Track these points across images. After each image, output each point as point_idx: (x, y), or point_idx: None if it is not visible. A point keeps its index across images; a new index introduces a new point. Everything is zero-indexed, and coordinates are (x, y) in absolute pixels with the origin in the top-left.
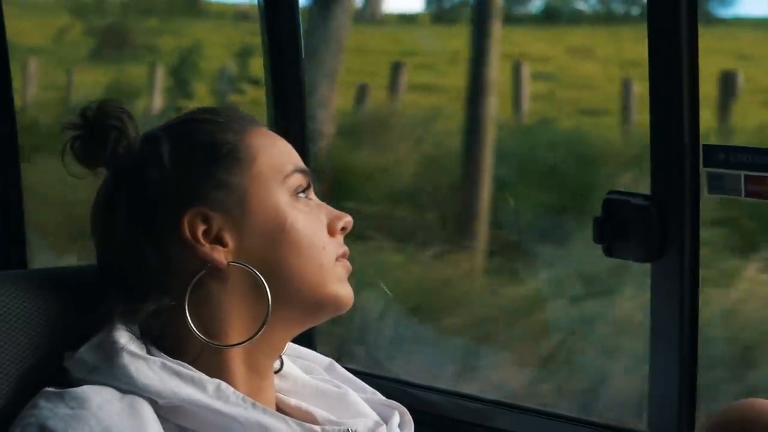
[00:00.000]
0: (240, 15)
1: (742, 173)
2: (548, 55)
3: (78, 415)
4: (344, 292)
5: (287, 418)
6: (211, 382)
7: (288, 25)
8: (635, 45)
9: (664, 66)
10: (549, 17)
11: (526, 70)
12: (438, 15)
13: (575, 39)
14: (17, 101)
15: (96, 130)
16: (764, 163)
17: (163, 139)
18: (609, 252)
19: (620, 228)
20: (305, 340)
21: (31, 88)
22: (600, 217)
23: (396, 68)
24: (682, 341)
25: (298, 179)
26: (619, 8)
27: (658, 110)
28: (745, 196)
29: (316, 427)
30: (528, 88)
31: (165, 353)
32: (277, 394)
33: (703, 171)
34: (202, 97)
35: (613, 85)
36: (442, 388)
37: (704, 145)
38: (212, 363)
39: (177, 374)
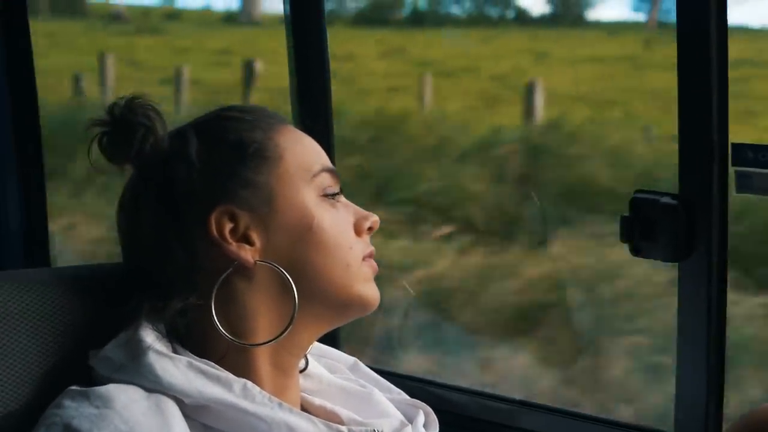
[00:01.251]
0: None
1: None
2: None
3: (103, 414)
4: (371, 292)
5: (314, 418)
6: (238, 382)
7: (314, 25)
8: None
9: (693, 66)
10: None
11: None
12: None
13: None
14: None
15: (123, 127)
16: None
17: (191, 136)
18: (636, 251)
19: (647, 227)
20: (329, 339)
21: None
22: (627, 216)
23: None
24: (710, 342)
25: (326, 179)
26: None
27: (686, 110)
28: None
29: (342, 427)
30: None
31: (191, 352)
32: (302, 393)
33: (732, 170)
34: None
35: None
36: (465, 387)
37: (733, 144)
38: (238, 362)
39: (203, 373)
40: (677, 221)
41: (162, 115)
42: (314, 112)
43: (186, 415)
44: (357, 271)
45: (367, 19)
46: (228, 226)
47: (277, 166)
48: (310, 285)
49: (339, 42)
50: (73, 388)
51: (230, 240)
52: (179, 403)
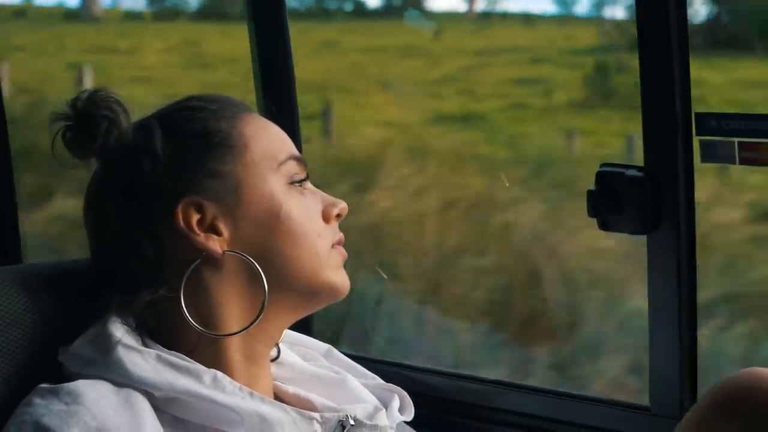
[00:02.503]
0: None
1: (736, 140)
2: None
3: (72, 411)
4: (340, 279)
5: (285, 406)
6: (208, 373)
7: (275, 12)
8: None
9: (653, 36)
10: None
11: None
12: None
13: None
14: None
15: (86, 121)
16: (757, 129)
17: (155, 128)
18: (604, 225)
19: (614, 201)
20: (303, 327)
21: None
22: (594, 190)
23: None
24: (681, 314)
25: (293, 167)
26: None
27: (648, 82)
28: (740, 163)
29: (315, 414)
30: None
31: (161, 344)
32: (275, 381)
33: (696, 140)
34: None
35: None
36: (440, 369)
37: (696, 114)
38: (209, 353)
39: (172, 365)
40: (643, 194)
41: (125, 107)
42: (278, 100)
43: (157, 408)
44: (326, 259)
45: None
46: (195, 217)
47: (243, 155)
48: (279, 273)
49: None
50: (43, 385)
51: (197, 231)
52: (149, 396)
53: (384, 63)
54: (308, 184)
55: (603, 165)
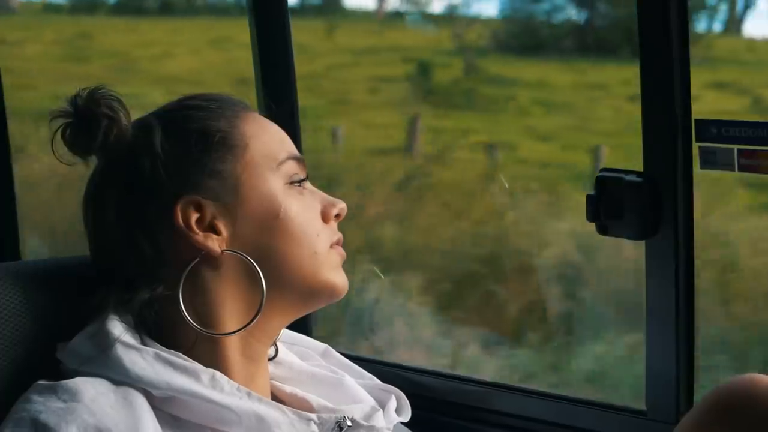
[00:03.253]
0: None
1: (735, 147)
2: None
3: (71, 408)
4: (339, 279)
5: (283, 406)
6: (206, 372)
7: (276, 9)
8: None
9: (654, 41)
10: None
11: None
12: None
13: None
14: None
15: (87, 119)
16: (757, 137)
17: (155, 126)
18: (603, 230)
19: (613, 206)
20: (301, 326)
21: None
22: (593, 195)
23: None
24: (678, 319)
25: (293, 166)
26: None
27: (648, 87)
28: (739, 170)
29: (312, 415)
30: None
31: (159, 343)
32: (273, 381)
33: (696, 146)
34: None
35: None
36: (437, 371)
37: (696, 120)
38: (207, 351)
39: (171, 364)
40: (643, 199)
41: (125, 105)
42: (279, 99)
43: (154, 407)
44: (324, 259)
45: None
46: (194, 216)
47: (243, 154)
48: (277, 273)
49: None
50: (41, 382)
51: (196, 230)
52: (147, 395)
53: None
54: (308, 184)
55: (603, 170)
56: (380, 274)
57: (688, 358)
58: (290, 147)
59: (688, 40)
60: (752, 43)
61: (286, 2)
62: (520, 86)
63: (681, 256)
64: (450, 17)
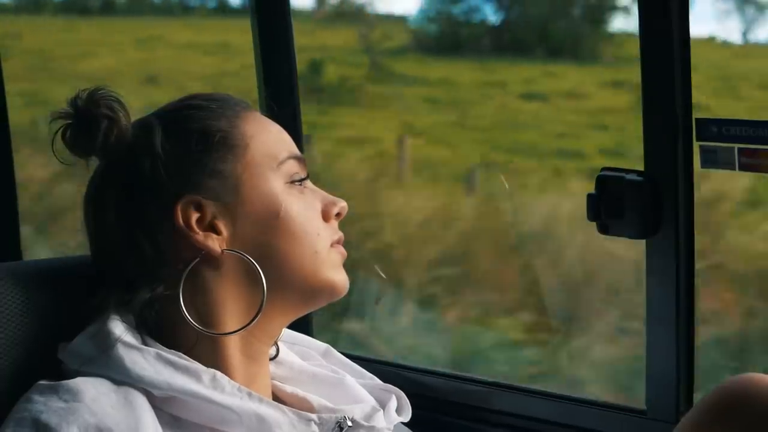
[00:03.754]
0: None
1: (736, 146)
2: None
3: (72, 408)
4: (339, 278)
5: (283, 407)
6: (207, 372)
7: (278, 9)
8: None
9: (655, 41)
10: None
11: None
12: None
13: None
14: None
15: (87, 119)
16: (757, 136)
17: (155, 127)
18: (604, 229)
19: (614, 205)
20: (302, 326)
21: None
22: (593, 194)
23: None
24: (679, 318)
25: (293, 166)
26: None
27: (649, 85)
28: (739, 169)
29: (312, 415)
30: None
31: (161, 343)
32: (273, 381)
33: (696, 145)
34: None
35: None
36: (438, 370)
37: (697, 119)
38: (208, 351)
39: (172, 364)
40: (643, 198)
41: (125, 106)
42: (281, 98)
43: (155, 407)
44: (325, 258)
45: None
46: (194, 216)
47: (243, 154)
48: (278, 272)
49: None
50: (42, 382)
51: (197, 230)
52: (148, 395)
53: (178, 58)
54: (308, 183)
55: (604, 169)
56: (382, 274)
57: (688, 357)
58: (291, 146)
59: (689, 41)
60: None
61: (289, 3)
62: (420, 85)
63: (681, 255)
64: (364, 16)
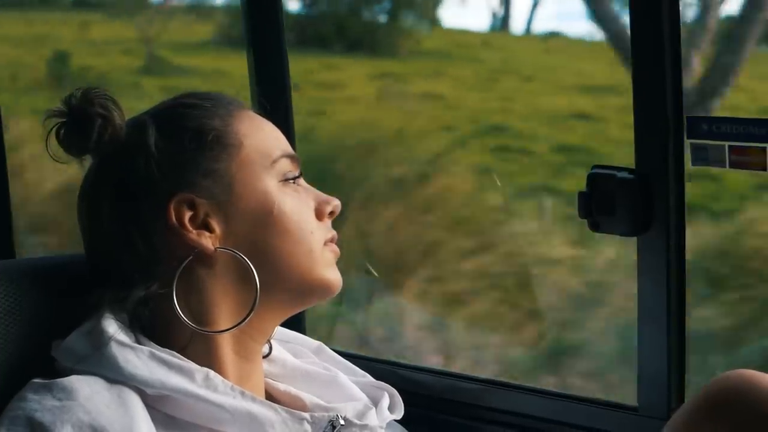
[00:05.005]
0: None
1: (726, 144)
2: None
3: (66, 407)
4: (333, 276)
5: (276, 405)
6: (200, 371)
7: (270, 8)
8: None
9: (646, 39)
10: None
11: None
12: None
13: None
14: None
15: (81, 118)
16: (748, 134)
17: (149, 125)
18: (595, 227)
19: (605, 202)
20: (295, 324)
21: None
22: (585, 192)
23: None
24: (670, 315)
25: (286, 164)
26: None
27: (640, 83)
28: (730, 166)
29: (305, 414)
30: None
31: (154, 342)
32: (266, 379)
33: (687, 143)
34: None
35: None
36: (431, 368)
37: (688, 117)
38: (201, 350)
39: (165, 363)
40: (634, 195)
41: (119, 105)
42: (273, 97)
43: (148, 406)
44: (319, 256)
45: None
46: (187, 214)
47: (237, 153)
48: (271, 270)
49: None
50: (36, 380)
51: (190, 228)
52: (141, 393)
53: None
54: (302, 182)
55: (594, 167)
56: (374, 272)
57: (680, 354)
58: (284, 145)
59: (680, 38)
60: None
61: (281, 3)
62: (190, 76)
63: (673, 253)
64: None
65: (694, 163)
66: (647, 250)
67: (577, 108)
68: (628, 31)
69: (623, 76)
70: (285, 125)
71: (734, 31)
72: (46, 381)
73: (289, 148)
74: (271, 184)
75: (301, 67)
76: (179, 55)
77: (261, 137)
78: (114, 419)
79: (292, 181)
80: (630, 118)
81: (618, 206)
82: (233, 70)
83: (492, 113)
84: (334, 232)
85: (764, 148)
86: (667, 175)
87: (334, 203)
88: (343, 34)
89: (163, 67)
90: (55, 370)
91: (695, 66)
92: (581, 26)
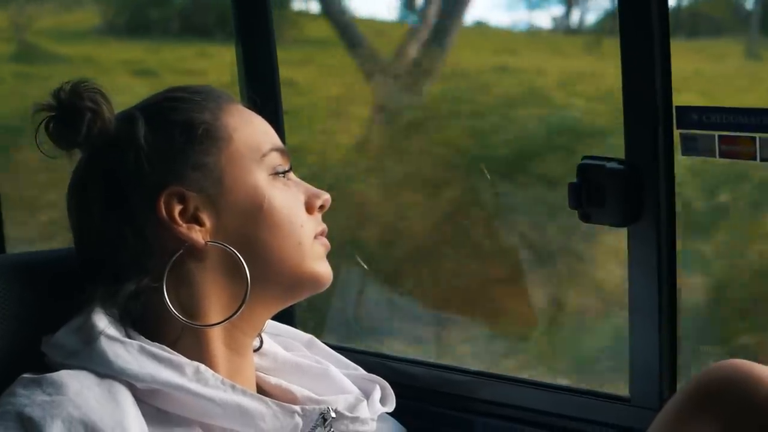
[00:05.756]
0: None
1: (716, 134)
2: None
3: (56, 402)
4: (323, 269)
5: (267, 399)
6: (190, 365)
7: (259, 3)
8: None
9: (635, 30)
10: None
11: None
12: None
13: None
14: None
15: (70, 112)
16: (737, 123)
17: (138, 119)
18: (585, 217)
19: (595, 193)
20: (286, 317)
21: None
22: (575, 183)
23: None
24: (661, 305)
25: (276, 158)
26: None
27: (629, 74)
28: (720, 156)
29: (296, 407)
30: None
31: (145, 336)
32: (258, 372)
33: (677, 133)
34: None
35: None
36: (423, 360)
37: (677, 107)
38: (192, 344)
39: (155, 357)
40: (624, 186)
41: (109, 98)
42: (262, 91)
43: (139, 400)
44: (309, 249)
45: None
46: (177, 208)
47: (227, 146)
48: (262, 264)
49: None
50: (26, 375)
51: (180, 221)
52: (132, 388)
53: None
54: (292, 175)
55: (585, 158)
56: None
57: (671, 344)
58: (274, 138)
59: (668, 27)
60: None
61: None
62: (59, 63)
63: (663, 243)
64: None
65: (684, 153)
66: (638, 240)
67: None
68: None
69: None
70: (274, 119)
71: None
72: (36, 376)
73: (278, 142)
74: (261, 177)
75: (176, 54)
76: (60, 44)
77: (250, 131)
78: (104, 414)
79: (282, 174)
80: None
81: (608, 197)
82: (106, 57)
83: (334, 101)
84: (324, 226)
85: (754, 137)
86: (657, 165)
87: (324, 197)
88: (226, 22)
89: (34, 55)
90: (45, 365)
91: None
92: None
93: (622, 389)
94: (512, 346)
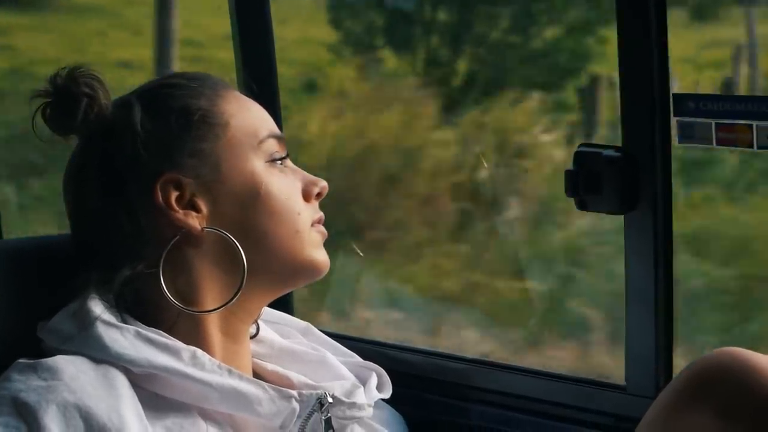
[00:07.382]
0: None
1: (713, 122)
2: None
3: (51, 387)
4: (320, 257)
5: (264, 383)
6: (187, 350)
7: None
8: None
9: (632, 17)
10: None
11: None
12: None
13: None
14: None
15: (66, 98)
16: (734, 111)
17: (135, 105)
18: (582, 205)
19: (592, 180)
20: (283, 304)
21: None
22: (571, 170)
23: None
24: (658, 293)
25: (273, 145)
26: None
27: (627, 61)
28: (717, 144)
29: (293, 392)
30: None
31: (141, 322)
32: (254, 359)
33: (674, 120)
34: None
35: None
36: (419, 348)
37: (674, 95)
38: (188, 330)
39: (151, 342)
40: (621, 173)
41: (105, 84)
42: (259, 77)
43: (135, 385)
44: (306, 237)
45: None
46: (174, 194)
47: (223, 133)
48: (258, 251)
49: None
50: (21, 360)
51: (176, 208)
52: (128, 373)
53: None
54: (288, 162)
55: (581, 145)
56: (359, 252)
57: (668, 332)
58: (271, 125)
59: (666, 15)
60: None
61: None
62: None
63: (660, 230)
64: None
65: (680, 140)
66: (634, 228)
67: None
68: None
69: None
70: (272, 106)
71: None
72: (32, 361)
73: (275, 129)
74: (257, 164)
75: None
76: None
77: (247, 117)
78: (100, 399)
79: (279, 161)
80: None
81: (605, 184)
82: None
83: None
84: (321, 213)
85: (751, 125)
86: (654, 152)
87: (321, 184)
88: None
89: None
90: (40, 351)
91: None
92: None
93: None
94: None
